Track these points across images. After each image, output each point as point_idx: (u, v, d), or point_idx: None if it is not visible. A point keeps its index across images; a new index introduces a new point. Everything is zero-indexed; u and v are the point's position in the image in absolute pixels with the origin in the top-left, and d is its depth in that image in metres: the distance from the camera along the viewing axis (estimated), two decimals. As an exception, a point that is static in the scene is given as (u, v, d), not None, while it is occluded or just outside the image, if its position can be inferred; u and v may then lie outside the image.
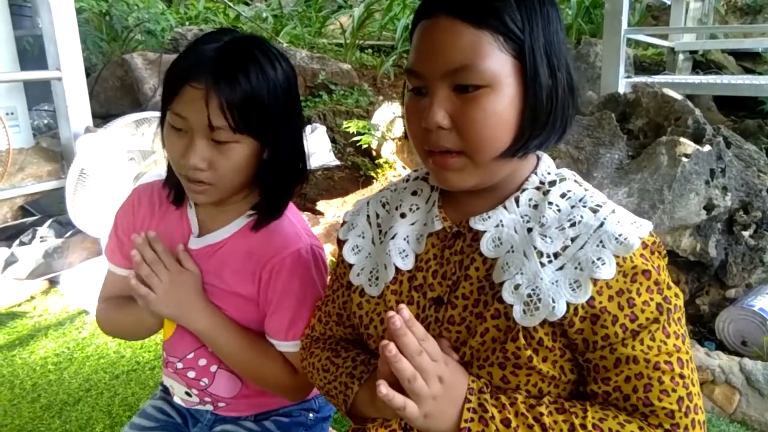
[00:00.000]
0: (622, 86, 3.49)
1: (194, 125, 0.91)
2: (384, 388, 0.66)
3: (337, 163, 4.02)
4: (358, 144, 3.98)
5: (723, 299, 2.49)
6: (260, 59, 0.93)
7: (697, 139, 2.44)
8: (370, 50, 5.44)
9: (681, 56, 4.70)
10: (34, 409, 2.01)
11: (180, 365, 1.10)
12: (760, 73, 4.68)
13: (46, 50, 3.04)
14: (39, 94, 3.92)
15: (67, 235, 3.05)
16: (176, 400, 1.18)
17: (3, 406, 2.02)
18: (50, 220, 3.13)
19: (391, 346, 0.67)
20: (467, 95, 0.71)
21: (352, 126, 3.92)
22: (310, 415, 1.20)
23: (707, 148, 2.38)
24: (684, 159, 2.30)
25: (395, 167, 3.93)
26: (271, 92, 0.93)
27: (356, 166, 4.09)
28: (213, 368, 1.10)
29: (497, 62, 0.70)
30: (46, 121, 3.99)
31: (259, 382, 1.07)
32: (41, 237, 3.03)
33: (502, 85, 0.71)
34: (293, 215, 1.08)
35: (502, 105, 0.71)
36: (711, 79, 3.99)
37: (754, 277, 2.52)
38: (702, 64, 4.83)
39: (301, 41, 5.24)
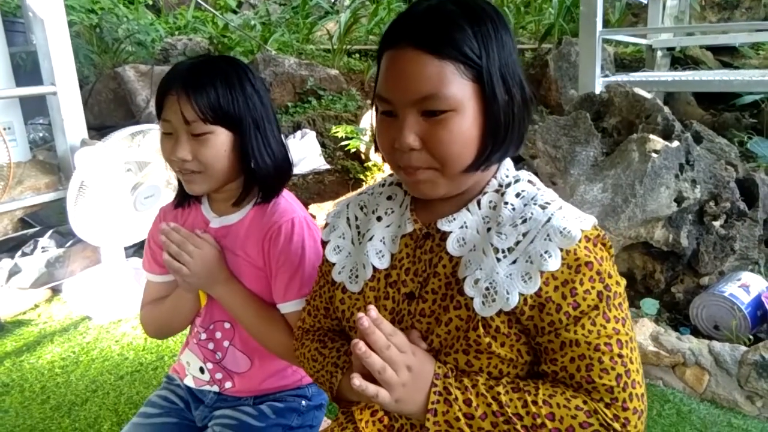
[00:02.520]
0: (599, 86, 3.59)
1: (175, 124, 1.12)
2: (357, 380, 0.76)
3: (327, 167, 4.14)
4: (346, 148, 4.09)
5: (697, 287, 2.60)
6: (223, 68, 1.14)
7: (667, 135, 2.56)
8: (357, 55, 5.55)
9: (659, 53, 4.82)
10: (44, 410, 2.11)
11: (204, 336, 1.29)
12: (737, 67, 4.81)
13: (40, 65, 3.10)
14: (34, 108, 3.99)
15: (68, 244, 3.14)
16: (187, 381, 1.33)
17: (15, 408, 2.12)
18: (51, 231, 3.22)
19: (361, 344, 0.76)
20: (434, 119, 0.80)
21: (340, 131, 4.04)
22: (303, 402, 1.32)
23: (675, 143, 2.50)
24: (654, 155, 2.43)
25: (383, 169, 4.04)
26: (233, 89, 1.13)
27: (346, 170, 4.20)
28: (225, 343, 1.27)
29: (459, 88, 0.79)
30: (41, 135, 4.07)
31: (267, 344, 1.23)
32: (43, 247, 3.12)
33: (465, 108, 0.80)
34: (288, 196, 1.27)
35: (466, 125, 0.80)
36: (684, 75, 4.09)
37: (726, 265, 2.63)
38: (680, 60, 4.95)
39: (289, 48, 5.34)
